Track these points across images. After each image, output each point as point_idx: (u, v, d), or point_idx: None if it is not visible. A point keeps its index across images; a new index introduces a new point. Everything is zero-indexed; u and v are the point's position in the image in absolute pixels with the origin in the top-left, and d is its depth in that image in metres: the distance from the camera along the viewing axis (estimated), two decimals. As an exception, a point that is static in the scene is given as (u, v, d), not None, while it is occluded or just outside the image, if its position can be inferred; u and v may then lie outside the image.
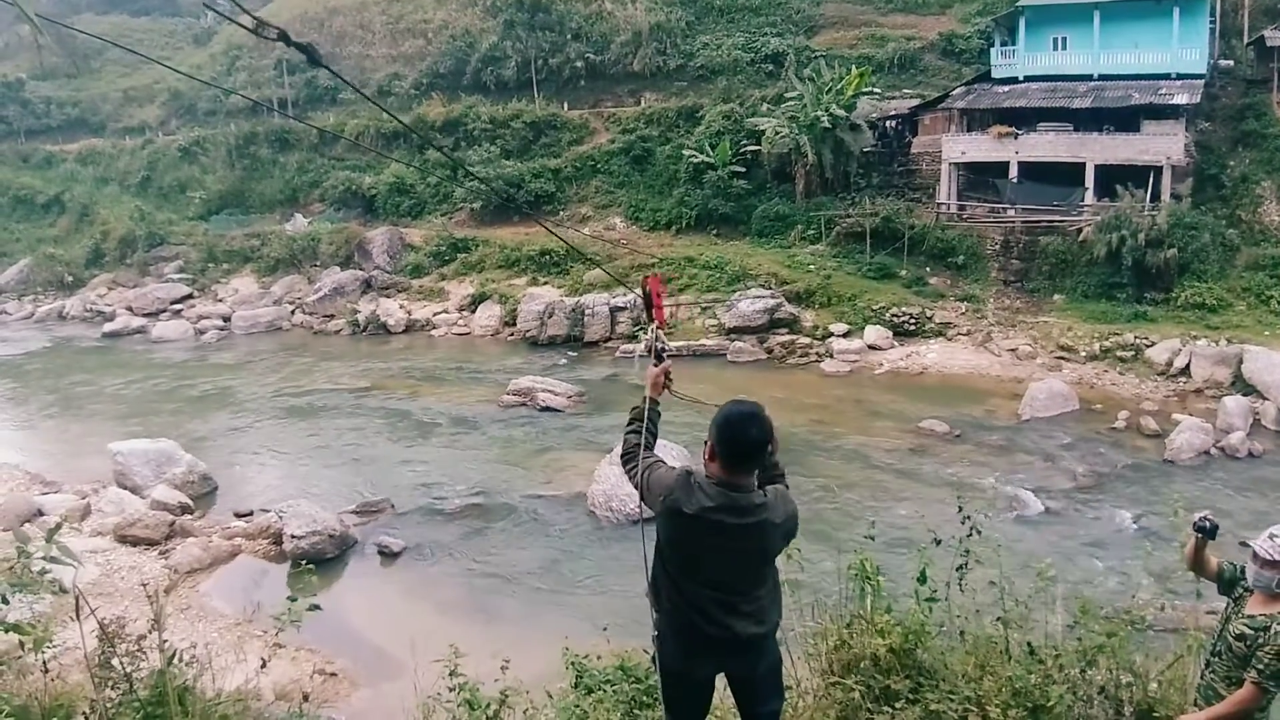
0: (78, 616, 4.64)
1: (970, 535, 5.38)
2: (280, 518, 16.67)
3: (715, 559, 3.61)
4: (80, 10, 63.32)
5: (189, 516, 17.83)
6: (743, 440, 3.60)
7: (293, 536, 15.87)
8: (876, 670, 4.65)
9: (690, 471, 3.71)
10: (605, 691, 6.00)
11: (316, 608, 6.08)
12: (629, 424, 4.15)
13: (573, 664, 6.57)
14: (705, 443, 3.68)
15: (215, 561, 15.87)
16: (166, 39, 65.46)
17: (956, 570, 5.36)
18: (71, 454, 22.66)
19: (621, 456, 4.11)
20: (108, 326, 40.59)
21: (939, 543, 5.48)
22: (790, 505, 3.72)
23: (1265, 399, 22.32)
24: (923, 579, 4.95)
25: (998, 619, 5.03)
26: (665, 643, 3.78)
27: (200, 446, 22.02)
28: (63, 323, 43.56)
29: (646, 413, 4.10)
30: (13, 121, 59.88)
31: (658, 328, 4.41)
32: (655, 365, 4.23)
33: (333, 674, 12.53)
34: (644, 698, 5.35)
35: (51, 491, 19.18)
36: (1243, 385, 23.42)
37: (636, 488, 3.87)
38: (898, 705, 4.46)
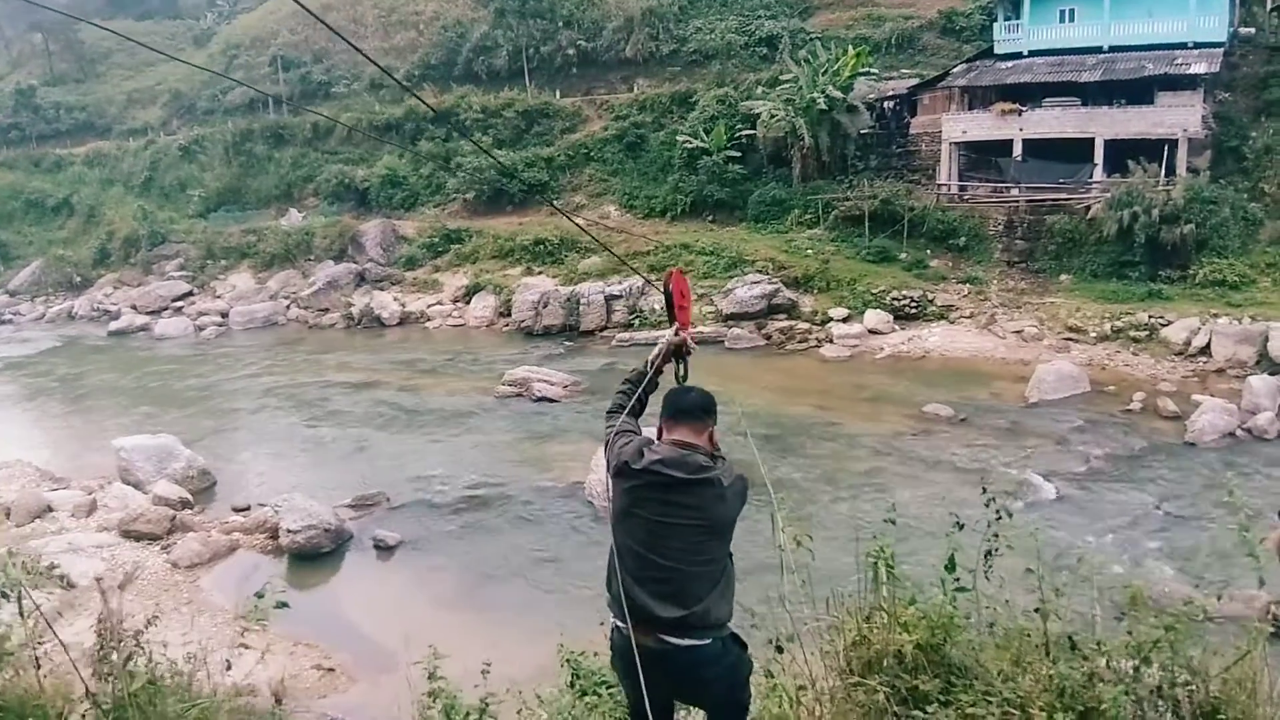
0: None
1: (999, 519, 4.82)
2: (276, 512, 16.57)
3: (656, 526, 3.48)
4: (87, 16, 64.07)
5: (189, 511, 17.85)
6: (683, 399, 3.78)
7: (288, 531, 15.76)
8: (902, 669, 4.09)
9: (649, 440, 3.74)
10: (600, 696, 5.66)
11: (284, 605, 5.77)
12: (622, 382, 4.16)
13: (568, 661, 6.22)
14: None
15: (214, 556, 15.83)
16: (168, 40, 66.23)
17: (985, 557, 4.79)
18: (79, 450, 22.60)
19: (606, 412, 4.09)
20: (113, 325, 40.99)
21: (961, 527, 4.91)
22: (739, 474, 3.64)
23: (1294, 379, 21.53)
24: (951, 566, 4.38)
25: (1035, 610, 4.46)
26: (615, 633, 3.61)
27: (199, 441, 21.83)
28: (72, 322, 44.17)
29: (647, 380, 4.14)
30: (25, 128, 61.05)
31: (680, 329, 4.19)
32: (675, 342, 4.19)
33: (330, 669, 12.36)
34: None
35: (60, 488, 19.22)
36: (1269, 364, 22.67)
37: (604, 445, 3.85)
38: (929, 709, 3.90)
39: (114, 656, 4.80)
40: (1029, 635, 4.60)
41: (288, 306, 40.32)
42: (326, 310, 38.86)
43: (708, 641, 3.45)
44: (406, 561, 15.68)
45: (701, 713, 4.11)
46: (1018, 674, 4.21)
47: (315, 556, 15.47)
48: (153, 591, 14.18)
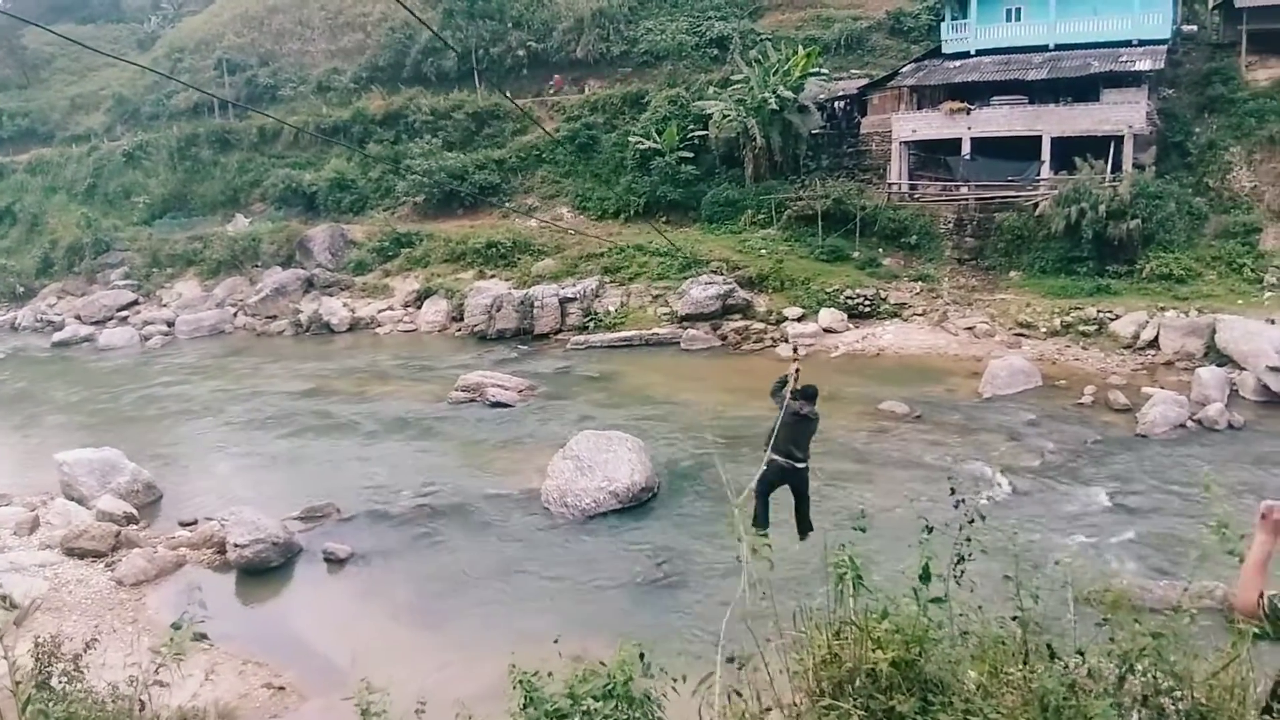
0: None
1: (971, 522, 4.61)
2: (223, 526, 16.09)
3: (793, 431, 9.64)
4: (29, 21, 62.41)
5: (134, 527, 17.26)
6: (807, 390, 10.05)
7: (236, 545, 15.30)
8: (875, 688, 3.82)
9: (789, 404, 9.71)
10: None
11: (203, 636, 5.37)
12: (779, 380, 10.33)
13: (521, 682, 5.87)
14: (789, 388, 9.95)
15: (161, 573, 15.30)
16: (112, 45, 64.97)
17: (957, 562, 4.56)
18: (20, 465, 21.88)
19: (770, 394, 10.35)
20: (57, 336, 40.05)
21: (931, 531, 4.69)
22: (819, 414, 10.19)
23: (1242, 369, 21.74)
24: (925, 577, 4.12)
25: (1013, 618, 4.23)
26: (769, 465, 9.51)
27: (144, 454, 21.17)
28: (15, 334, 43.10)
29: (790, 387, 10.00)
30: None
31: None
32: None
33: (281, 687, 11.95)
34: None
35: (2, 504, 18.49)
36: (1217, 356, 22.91)
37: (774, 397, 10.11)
38: (907, 734, 3.65)
39: (53, 681, 4.62)
40: (1005, 644, 4.38)
41: (235, 314, 39.59)
42: (274, 317, 38.12)
43: (804, 466, 10.04)
44: (357, 574, 15.25)
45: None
46: (997, 687, 3.98)
47: (264, 571, 15.06)
48: (96, 611, 13.73)
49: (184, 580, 15.11)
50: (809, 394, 9.91)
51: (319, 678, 11.93)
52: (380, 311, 36.82)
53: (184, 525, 17.43)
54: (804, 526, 10.22)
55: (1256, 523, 3.80)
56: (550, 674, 5.53)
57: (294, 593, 14.87)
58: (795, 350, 15.82)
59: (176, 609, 13.54)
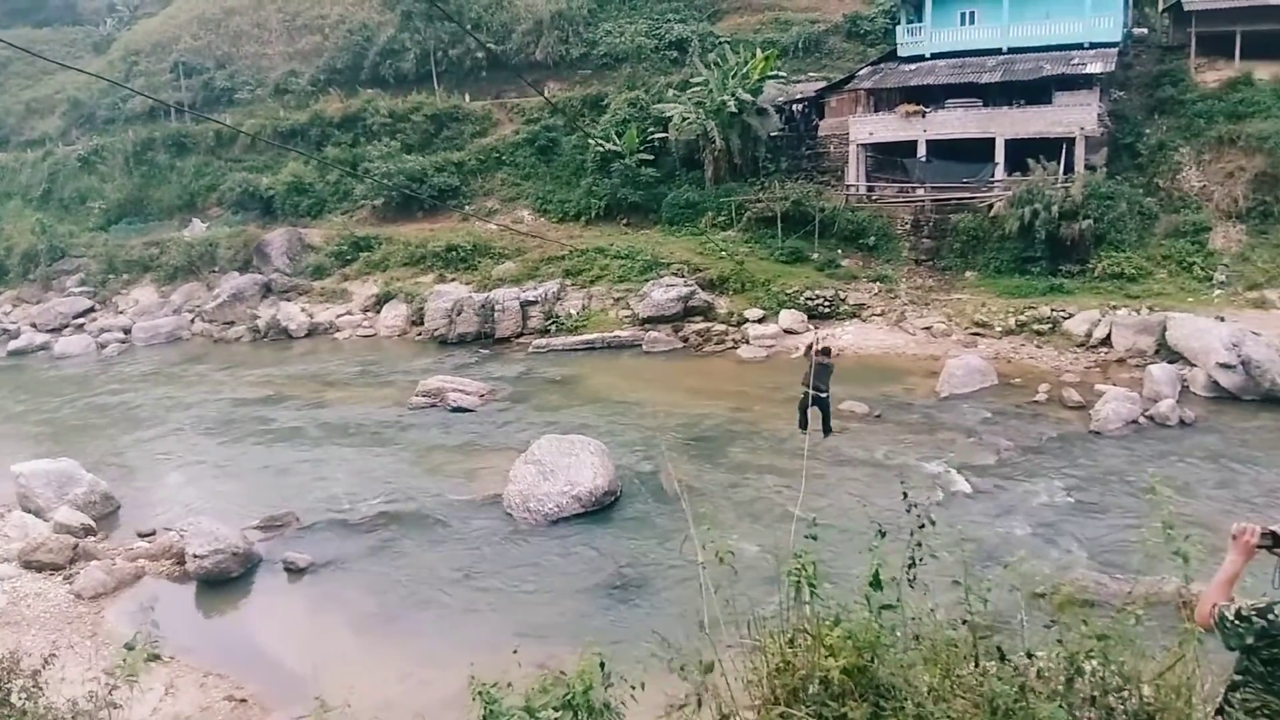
0: None
1: (922, 527, 4.66)
2: (182, 537, 15.86)
3: (818, 373, 17.10)
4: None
5: (92, 539, 16.93)
6: (826, 349, 18.31)
7: (195, 556, 15.08)
8: (829, 695, 3.86)
9: (815, 358, 17.32)
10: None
11: (155, 657, 5.29)
12: (807, 345, 20.98)
13: (480, 695, 5.82)
14: (814, 349, 17.82)
15: (120, 585, 15.08)
16: (67, 48, 64.10)
17: (909, 567, 4.62)
18: None
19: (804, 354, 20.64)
20: (12, 344, 39.26)
21: (884, 535, 4.74)
22: (834, 362, 18.82)
23: (1193, 366, 22.17)
24: (876, 584, 4.17)
25: (963, 621, 4.28)
26: (805, 395, 17.11)
27: (102, 464, 20.84)
28: None
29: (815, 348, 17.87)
30: None
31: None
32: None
33: (243, 699, 11.79)
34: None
35: None
36: (1168, 353, 23.35)
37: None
38: (859, 739, 3.68)
39: (13, 698, 4.60)
40: (956, 646, 4.43)
41: (192, 320, 39.04)
42: (232, 323, 37.61)
43: (826, 395, 17.62)
44: (318, 584, 15.06)
45: None
46: (948, 690, 4.03)
47: (224, 582, 14.88)
48: (55, 625, 13.51)
49: (143, 592, 14.91)
50: (826, 351, 18.04)
51: (281, 690, 11.79)
52: (339, 316, 36.44)
53: (142, 536, 17.15)
54: (827, 430, 18.23)
55: (1229, 543, 3.92)
56: (510, 685, 5.50)
57: (254, 603, 14.69)
58: (815, 330, 24.85)
59: (136, 622, 13.43)
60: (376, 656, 12.41)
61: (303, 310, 37.07)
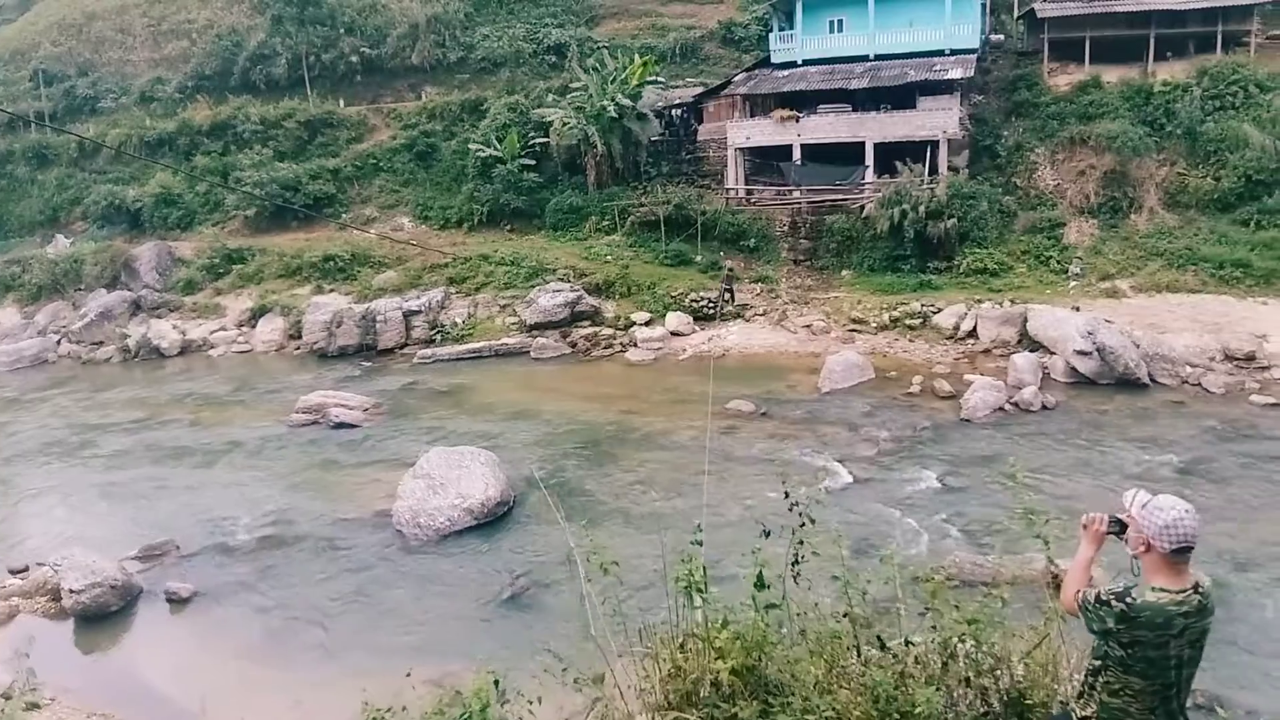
0: None
1: (803, 525, 4.82)
2: (56, 571, 15.07)
3: (728, 277, 29.21)
4: None
5: None
6: (731, 272, 30.16)
7: (71, 591, 14.38)
8: (719, 696, 3.97)
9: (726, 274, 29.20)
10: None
11: (35, 706, 5.02)
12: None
13: (374, 719, 5.72)
14: (724, 273, 29.28)
15: None
16: None
17: (792, 564, 4.77)
18: None
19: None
20: None
21: (768, 535, 4.89)
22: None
23: (1053, 354, 23.52)
24: (760, 584, 4.30)
25: (844, 614, 4.46)
26: (723, 280, 28.78)
27: (-35, 498, 19.46)
28: None
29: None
30: None
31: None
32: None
33: None
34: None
35: None
36: (1029, 342, 24.70)
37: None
38: (748, 737, 3.80)
39: None
40: (840, 639, 4.61)
41: (58, 342, 36.67)
42: (101, 343, 35.55)
43: (734, 287, 28.48)
44: (202, 613, 14.53)
45: None
46: (833, 683, 4.19)
47: (104, 616, 14.24)
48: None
49: (18, 633, 14.14)
50: (730, 269, 27.37)
51: (170, 726, 11.27)
52: (213, 332, 34.88)
53: (14, 573, 16.20)
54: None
55: (1080, 533, 4.16)
56: (404, 708, 5.43)
57: (137, 637, 14.09)
58: (730, 265, 31.01)
59: (12, 668, 12.71)
60: (267, 685, 12.02)
61: (175, 327, 35.36)
